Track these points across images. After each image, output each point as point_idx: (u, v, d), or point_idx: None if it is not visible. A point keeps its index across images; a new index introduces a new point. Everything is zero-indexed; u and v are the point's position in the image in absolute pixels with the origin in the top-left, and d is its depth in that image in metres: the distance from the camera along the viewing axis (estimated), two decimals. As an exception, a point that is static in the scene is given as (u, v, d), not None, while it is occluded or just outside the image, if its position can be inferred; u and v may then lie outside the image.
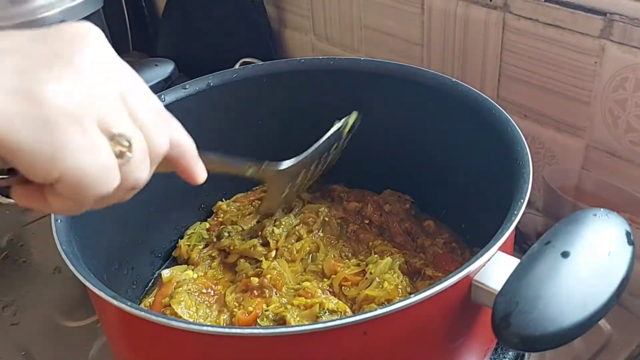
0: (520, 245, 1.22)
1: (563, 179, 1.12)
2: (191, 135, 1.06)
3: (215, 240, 1.12)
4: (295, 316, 0.92)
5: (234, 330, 0.68)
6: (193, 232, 1.15)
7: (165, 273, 1.06)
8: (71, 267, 0.77)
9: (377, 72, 1.08)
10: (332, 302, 0.94)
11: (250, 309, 0.96)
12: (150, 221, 1.10)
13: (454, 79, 1.02)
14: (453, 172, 1.05)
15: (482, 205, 0.95)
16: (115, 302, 0.72)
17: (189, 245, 1.12)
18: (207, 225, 1.16)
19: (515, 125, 0.90)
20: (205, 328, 0.69)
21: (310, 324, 0.68)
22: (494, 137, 0.92)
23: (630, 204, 1.05)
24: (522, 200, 0.78)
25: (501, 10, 1.08)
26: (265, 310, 0.94)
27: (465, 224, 1.08)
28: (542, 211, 1.19)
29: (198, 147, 1.10)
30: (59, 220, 0.85)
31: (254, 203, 1.18)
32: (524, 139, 0.88)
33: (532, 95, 1.10)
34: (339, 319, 0.67)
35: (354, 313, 0.93)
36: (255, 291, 0.99)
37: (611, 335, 1.03)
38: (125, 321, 0.78)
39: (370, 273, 0.99)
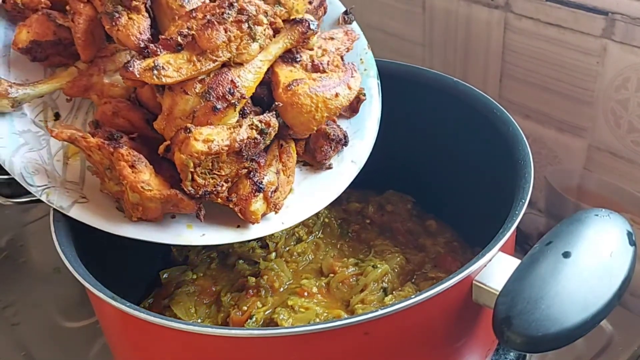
0: (521, 245, 1.21)
1: (565, 179, 1.12)
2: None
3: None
4: (287, 319, 0.92)
5: (233, 332, 0.68)
6: (192, 233, 1.15)
7: (165, 274, 1.05)
8: (70, 268, 0.77)
9: (380, 72, 1.07)
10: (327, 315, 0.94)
11: (245, 308, 0.95)
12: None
13: (455, 79, 1.02)
14: (455, 172, 1.05)
15: (484, 205, 0.94)
16: (114, 303, 0.72)
17: (182, 249, 1.12)
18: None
19: (517, 126, 0.90)
20: (204, 329, 0.69)
21: (312, 325, 0.68)
22: (495, 137, 0.91)
23: (632, 204, 1.05)
24: (523, 201, 0.78)
25: (503, 10, 1.07)
26: (253, 315, 0.94)
27: (467, 224, 1.08)
28: (544, 211, 1.18)
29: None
30: (59, 221, 0.85)
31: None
32: (525, 139, 0.88)
33: (534, 95, 1.10)
34: (339, 320, 0.66)
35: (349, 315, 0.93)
36: (251, 291, 0.99)
37: (613, 335, 1.03)
38: (125, 322, 0.77)
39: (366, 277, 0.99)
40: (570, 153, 1.09)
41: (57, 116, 0.93)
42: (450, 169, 1.06)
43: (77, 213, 0.85)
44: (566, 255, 0.67)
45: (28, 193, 1.30)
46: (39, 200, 1.20)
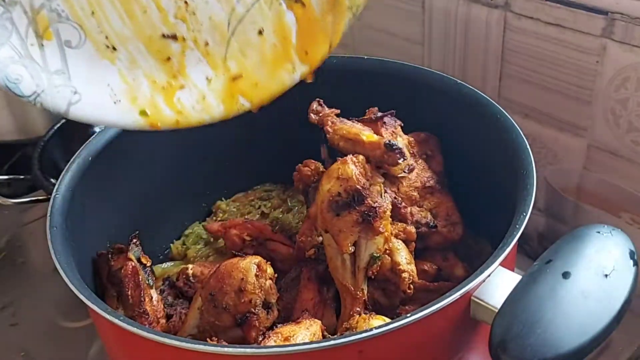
0: (521, 246, 1.21)
1: (565, 178, 1.12)
2: (189, 134, 1.05)
3: (212, 240, 1.12)
4: None
5: (226, 350, 0.68)
6: (191, 232, 1.14)
7: (159, 267, 1.06)
8: (66, 280, 0.77)
9: (380, 71, 1.06)
10: None
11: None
12: (149, 221, 1.09)
13: (459, 80, 1.00)
14: (454, 177, 1.04)
15: (485, 211, 0.93)
16: (108, 317, 0.72)
17: (182, 247, 1.12)
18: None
19: (521, 133, 0.88)
20: (198, 346, 0.68)
21: (304, 344, 0.67)
22: (498, 144, 0.90)
23: (631, 204, 1.05)
24: (524, 214, 0.77)
25: (502, 9, 1.07)
26: None
27: (468, 230, 1.07)
28: (544, 211, 1.18)
29: (196, 146, 1.09)
30: (55, 228, 0.84)
31: (253, 203, 1.17)
32: (529, 147, 0.86)
33: (534, 95, 1.09)
34: (333, 339, 0.66)
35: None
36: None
37: (613, 335, 1.02)
38: (119, 334, 0.77)
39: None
40: (569, 152, 1.09)
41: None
42: (450, 172, 1.05)
43: (76, 114, 0.80)
44: (565, 275, 0.66)
45: (27, 193, 1.30)
46: (38, 201, 1.20)
